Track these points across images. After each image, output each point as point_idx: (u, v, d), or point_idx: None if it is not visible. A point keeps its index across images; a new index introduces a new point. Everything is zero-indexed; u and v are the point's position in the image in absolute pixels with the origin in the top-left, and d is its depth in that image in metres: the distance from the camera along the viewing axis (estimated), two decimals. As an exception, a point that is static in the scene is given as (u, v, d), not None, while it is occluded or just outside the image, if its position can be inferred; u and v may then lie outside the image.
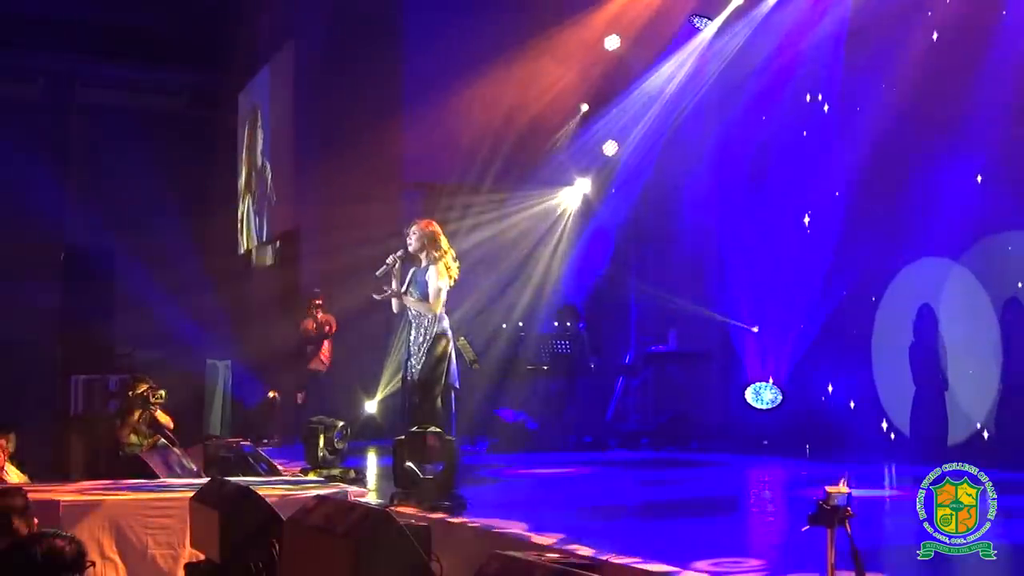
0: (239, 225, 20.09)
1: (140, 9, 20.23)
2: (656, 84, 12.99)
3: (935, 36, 10.19)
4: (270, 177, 18.09)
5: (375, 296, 7.98)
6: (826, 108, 11.72)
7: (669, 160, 13.18)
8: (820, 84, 11.74)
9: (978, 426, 9.72)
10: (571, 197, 14.07)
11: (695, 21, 12.69)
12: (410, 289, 7.81)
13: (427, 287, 7.72)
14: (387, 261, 7.86)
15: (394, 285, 7.87)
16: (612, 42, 13.09)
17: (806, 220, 11.86)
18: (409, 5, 14.65)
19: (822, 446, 10.69)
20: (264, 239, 18.54)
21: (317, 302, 13.62)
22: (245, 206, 19.73)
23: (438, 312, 7.73)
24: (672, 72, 12.85)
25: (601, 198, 14.01)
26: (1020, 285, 9.64)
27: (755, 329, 12.33)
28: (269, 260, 18.28)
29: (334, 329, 13.57)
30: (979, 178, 9.86)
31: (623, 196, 13.90)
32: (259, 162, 18.80)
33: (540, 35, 13.95)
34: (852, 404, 11.13)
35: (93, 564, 3.69)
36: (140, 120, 20.72)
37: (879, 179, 10.93)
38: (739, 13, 12.24)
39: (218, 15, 20.52)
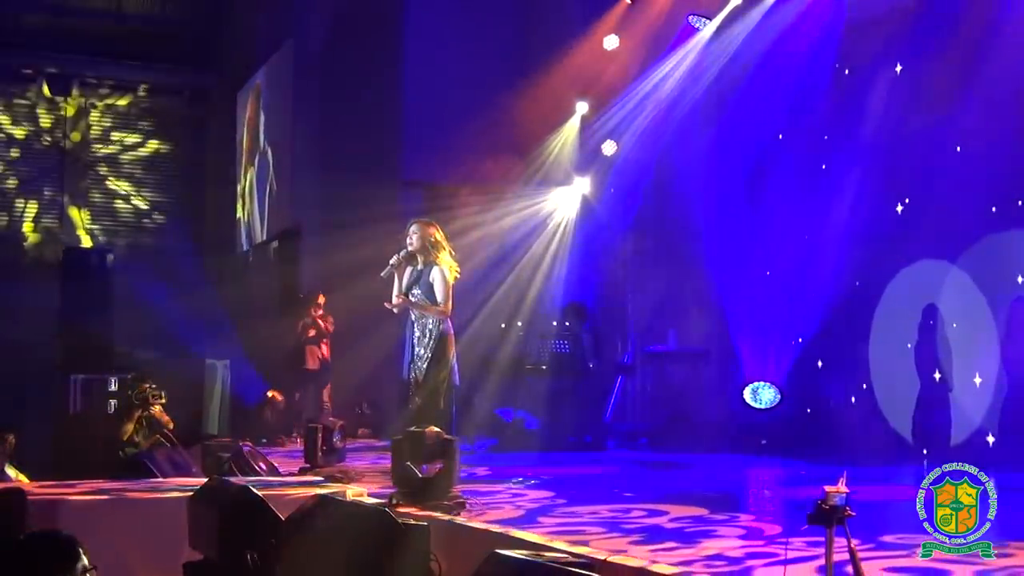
0: (239, 224, 20.09)
1: (140, 9, 20.26)
2: (655, 83, 13.00)
3: (934, 38, 10.19)
4: (272, 170, 18.08)
5: (386, 305, 7.97)
6: (826, 108, 11.72)
7: (668, 159, 13.18)
8: (820, 84, 11.74)
9: (979, 428, 9.72)
10: (570, 197, 14.08)
11: (693, 21, 12.70)
12: (413, 290, 7.82)
13: (432, 288, 7.72)
14: (391, 261, 7.86)
15: (395, 285, 7.87)
16: (611, 42, 13.11)
17: (805, 220, 11.85)
18: (409, 5, 14.65)
19: (821, 446, 10.69)
20: (264, 238, 18.54)
21: (316, 301, 13.63)
22: (245, 205, 19.73)
23: (448, 312, 7.75)
24: (671, 71, 12.86)
25: (600, 198, 14.01)
26: (1020, 280, 9.64)
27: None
28: (269, 260, 18.28)
29: (332, 329, 13.58)
30: (979, 179, 9.85)
31: (622, 196, 13.90)
32: (262, 151, 18.79)
33: (539, 35, 13.95)
34: (851, 403, 11.13)
35: (95, 568, 3.68)
36: (139, 119, 20.76)
37: (879, 179, 10.93)
38: (737, 13, 12.25)
39: (217, 15, 20.53)
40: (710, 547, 5.79)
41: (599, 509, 7.21)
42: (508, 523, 6.60)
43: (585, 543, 5.77)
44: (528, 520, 6.78)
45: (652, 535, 6.15)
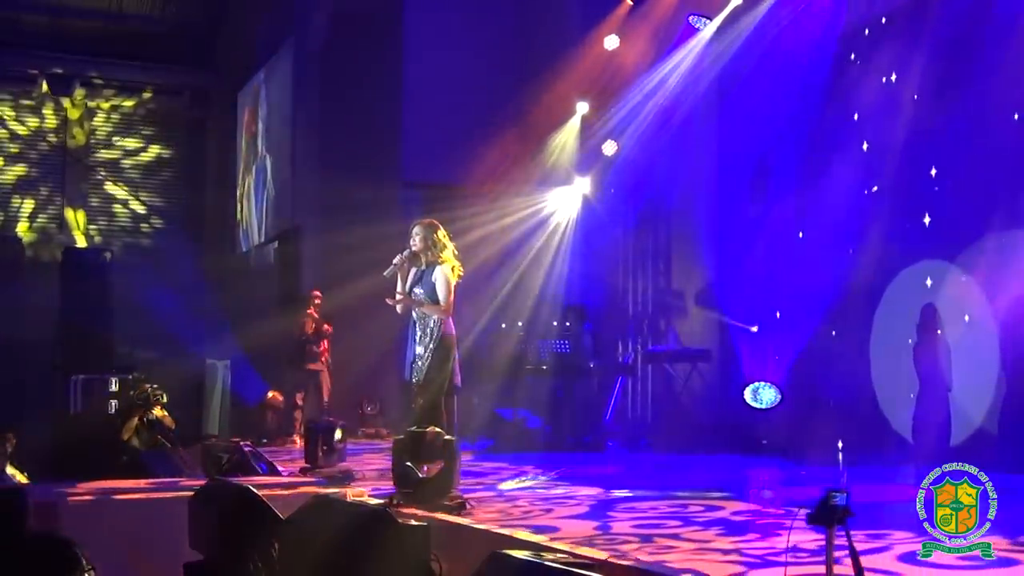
0: (238, 225, 20.09)
1: (140, 10, 20.26)
2: (656, 83, 12.99)
3: (935, 37, 10.19)
4: (270, 172, 18.08)
5: (388, 301, 7.96)
6: (827, 107, 11.71)
7: (669, 159, 13.18)
8: (821, 85, 11.73)
9: (980, 428, 9.70)
10: (570, 197, 14.07)
11: (694, 21, 12.70)
12: (415, 289, 7.81)
13: (435, 288, 7.71)
14: (394, 261, 7.83)
15: (399, 285, 7.86)
16: (611, 42, 13.11)
17: (806, 220, 11.85)
18: (409, 5, 14.65)
19: (821, 446, 10.67)
20: (264, 239, 18.54)
21: (316, 302, 13.64)
22: (244, 206, 19.72)
23: (451, 312, 7.74)
24: (671, 71, 12.86)
25: (600, 198, 14.01)
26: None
27: (754, 328, 12.33)
28: (269, 260, 18.28)
29: (331, 328, 13.58)
30: (979, 180, 9.85)
31: (622, 196, 13.90)
32: (259, 154, 18.80)
33: (540, 35, 13.95)
34: (851, 403, 11.12)
35: (93, 569, 3.67)
36: (140, 120, 20.76)
37: (881, 180, 10.92)
38: (738, 13, 12.24)
39: (217, 15, 20.52)
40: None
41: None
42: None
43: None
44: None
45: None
